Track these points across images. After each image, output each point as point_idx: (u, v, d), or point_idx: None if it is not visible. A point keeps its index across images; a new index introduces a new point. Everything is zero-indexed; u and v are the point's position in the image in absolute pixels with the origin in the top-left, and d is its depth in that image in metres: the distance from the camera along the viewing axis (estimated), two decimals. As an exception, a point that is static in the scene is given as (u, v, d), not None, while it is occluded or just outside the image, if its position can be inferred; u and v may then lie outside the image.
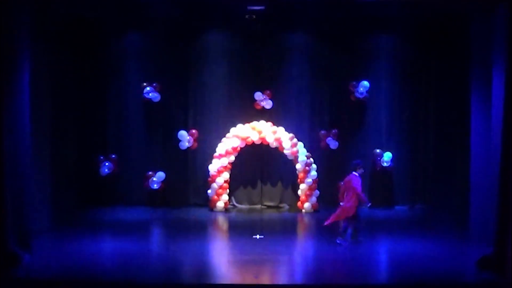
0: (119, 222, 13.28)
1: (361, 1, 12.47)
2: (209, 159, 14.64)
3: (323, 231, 11.67)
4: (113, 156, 14.88)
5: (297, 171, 14.56)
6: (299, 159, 14.42)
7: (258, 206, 15.25)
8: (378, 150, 14.84)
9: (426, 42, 14.72)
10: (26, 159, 10.10)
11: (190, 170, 15.18)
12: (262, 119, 14.77)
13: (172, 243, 11.51)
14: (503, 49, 9.57)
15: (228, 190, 14.83)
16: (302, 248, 11.84)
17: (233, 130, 14.59)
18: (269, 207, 15.23)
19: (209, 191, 14.62)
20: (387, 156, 14.69)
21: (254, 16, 14.18)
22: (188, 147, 14.88)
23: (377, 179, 14.99)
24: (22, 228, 9.90)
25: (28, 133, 10.16)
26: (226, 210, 14.65)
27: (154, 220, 13.88)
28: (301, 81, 15.15)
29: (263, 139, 14.57)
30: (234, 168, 14.83)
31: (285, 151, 14.52)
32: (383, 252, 11.17)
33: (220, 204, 14.53)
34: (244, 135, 14.50)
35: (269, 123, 14.68)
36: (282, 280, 9.48)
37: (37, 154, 11.09)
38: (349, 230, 10.92)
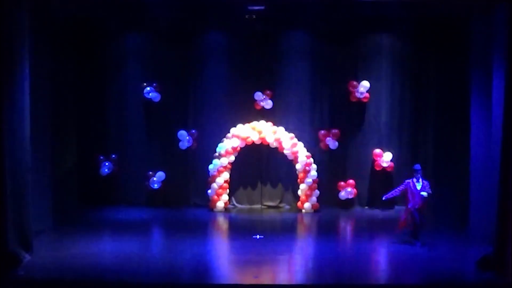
0: (119, 222, 13.28)
1: (361, 1, 12.47)
2: (209, 159, 14.64)
3: (323, 231, 11.65)
4: (113, 156, 14.88)
5: (297, 171, 14.56)
6: (299, 159, 14.42)
7: (258, 206, 15.24)
8: (378, 150, 14.84)
9: (426, 42, 14.69)
10: (26, 159, 10.11)
11: (190, 170, 15.17)
12: (262, 119, 14.77)
13: (172, 243, 11.51)
14: (503, 49, 9.58)
15: (228, 190, 14.82)
16: (302, 248, 11.84)
17: (233, 130, 14.59)
18: (269, 207, 15.22)
19: (209, 191, 14.62)
20: (387, 156, 14.68)
21: (254, 16, 14.19)
22: (188, 147, 14.88)
23: (377, 179, 14.97)
24: (22, 228, 9.91)
25: (28, 133, 10.17)
26: (226, 210, 14.65)
27: (154, 220, 13.88)
28: (301, 81, 15.11)
29: (263, 139, 14.56)
30: (234, 168, 14.83)
31: (285, 151, 14.51)
32: (383, 252, 11.17)
33: (220, 204, 14.53)
34: (244, 135, 14.50)
35: (269, 123, 14.68)
36: (282, 280, 9.48)
37: (37, 154, 11.07)
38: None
